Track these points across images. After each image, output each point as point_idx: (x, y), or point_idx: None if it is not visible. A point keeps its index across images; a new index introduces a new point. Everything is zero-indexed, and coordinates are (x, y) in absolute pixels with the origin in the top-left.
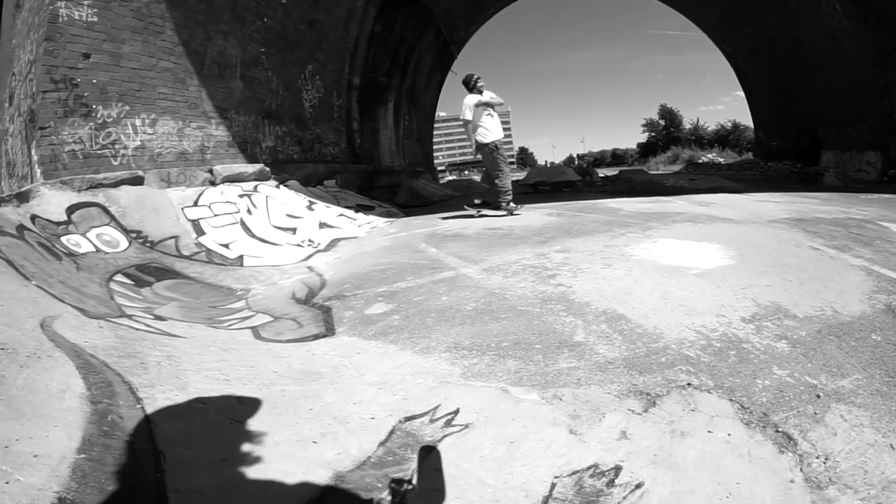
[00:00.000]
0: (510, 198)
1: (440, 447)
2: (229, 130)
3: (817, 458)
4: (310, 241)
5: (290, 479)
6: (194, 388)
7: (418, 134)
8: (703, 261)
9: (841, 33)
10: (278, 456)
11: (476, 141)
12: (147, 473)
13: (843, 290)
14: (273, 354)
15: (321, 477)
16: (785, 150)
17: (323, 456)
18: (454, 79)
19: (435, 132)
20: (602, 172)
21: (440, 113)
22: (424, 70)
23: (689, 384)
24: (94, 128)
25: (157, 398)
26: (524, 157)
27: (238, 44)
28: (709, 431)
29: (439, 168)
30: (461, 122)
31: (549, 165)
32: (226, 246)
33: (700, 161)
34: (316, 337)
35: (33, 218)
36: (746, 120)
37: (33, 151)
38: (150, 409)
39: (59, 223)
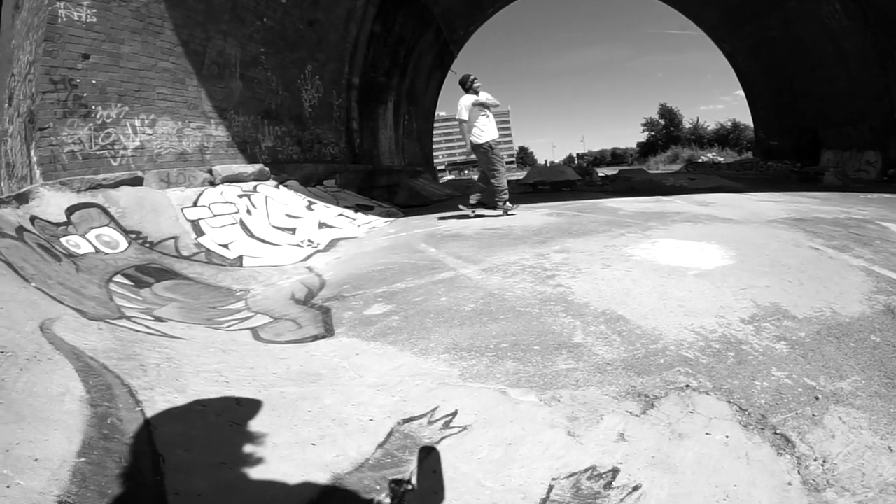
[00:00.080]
0: (507, 197)
1: (438, 449)
2: (229, 130)
3: (815, 460)
4: (309, 241)
5: (289, 481)
6: (194, 391)
7: (418, 133)
8: (703, 261)
9: (841, 33)
10: (277, 458)
11: (471, 141)
12: (147, 476)
13: (843, 290)
14: (272, 356)
15: (320, 479)
16: (785, 150)
17: (321, 458)
18: (454, 78)
19: (435, 132)
20: (602, 172)
21: (440, 112)
22: (424, 69)
23: (687, 386)
24: (94, 128)
25: (157, 401)
26: (524, 157)
27: (237, 44)
28: (707, 433)
29: (439, 167)
30: (457, 122)
31: (548, 165)
32: (225, 246)
33: (700, 160)
34: (315, 338)
35: (33, 219)
36: (746, 119)
37: (32, 152)
38: (149, 412)
39: (58, 224)
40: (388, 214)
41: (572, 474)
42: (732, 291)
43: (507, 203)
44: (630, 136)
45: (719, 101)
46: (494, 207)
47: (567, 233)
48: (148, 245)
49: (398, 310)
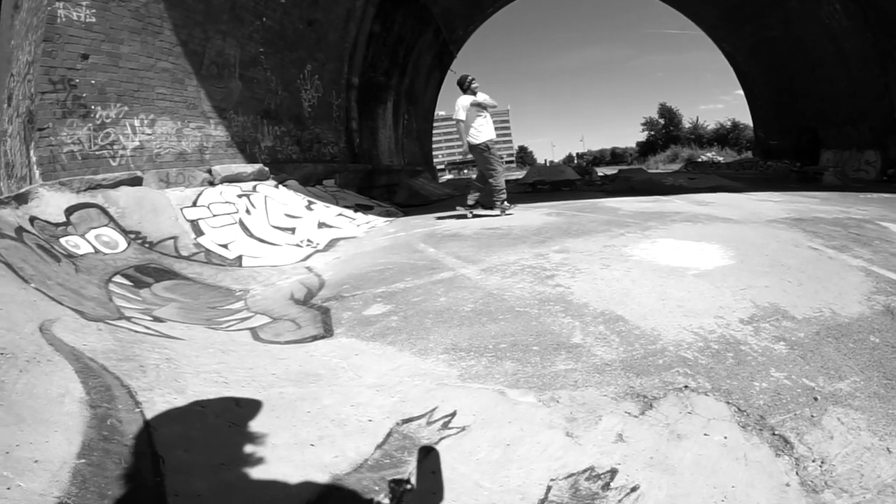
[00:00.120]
0: (504, 197)
1: (437, 449)
2: (228, 130)
3: (813, 461)
4: (309, 241)
5: (289, 481)
6: (193, 391)
7: (417, 133)
8: (702, 261)
9: (841, 33)
10: (276, 459)
11: (468, 141)
12: (146, 477)
13: (842, 291)
14: (271, 356)
15: (319, 479)
16: (785, 149)
17: (320, 459)
18: (453, 78)
19: (434, 131)
20: (601, 171)
21: (439, 112)
22: (423, 69)
23: (686, 386)
24: (93, 128)
25: (156, 402)
26: (524, 156)
27: (237, 44)
28: (705, 434)
29: (438, 167)
30: (454, 122)
31: (548, 164)
32: (224, 246)
33: (699, 160)
34: (314, 338)
35: (32, 219)
36: (746, 119)
37: (32, 152)
38: (149, 413)
39: (57, 224)
40: (388, 214)
41: (570, 475)
42: (732, 292)
43: (505, 203)
44: (630, 136)
45: (719, 101)
46: (492, 207)
47: (566, 233)
48: (147, 245)
49: (397, 310)
